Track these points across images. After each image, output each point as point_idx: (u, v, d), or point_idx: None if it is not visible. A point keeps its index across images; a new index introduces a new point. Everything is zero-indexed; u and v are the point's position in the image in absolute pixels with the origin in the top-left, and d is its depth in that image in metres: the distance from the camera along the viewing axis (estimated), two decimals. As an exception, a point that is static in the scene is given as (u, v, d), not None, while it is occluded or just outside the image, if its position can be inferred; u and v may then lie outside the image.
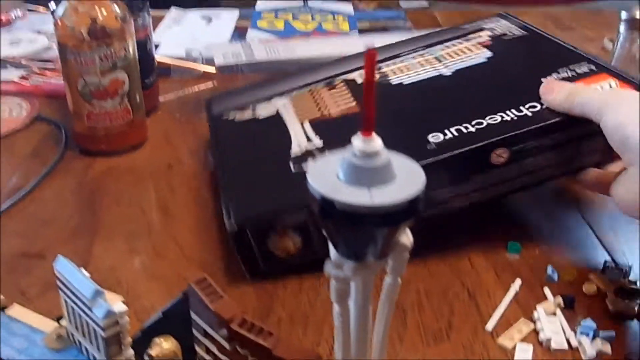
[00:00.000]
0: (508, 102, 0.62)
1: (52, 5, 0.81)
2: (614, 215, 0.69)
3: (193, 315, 0.38)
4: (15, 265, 0.60)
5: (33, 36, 1.11)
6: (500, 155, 0.58)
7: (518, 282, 0.58)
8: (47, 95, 0.93)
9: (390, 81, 0.70)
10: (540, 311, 0.54)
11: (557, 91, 0.59)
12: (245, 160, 0.66)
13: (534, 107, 0.61)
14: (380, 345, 0.32)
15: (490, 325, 0.53)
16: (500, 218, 0.67)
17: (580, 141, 0.60)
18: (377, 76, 0.72)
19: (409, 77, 0.71)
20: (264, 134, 0.69)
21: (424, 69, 0.71)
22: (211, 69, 0.92)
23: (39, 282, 0.57)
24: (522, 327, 0.53)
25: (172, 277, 0.59)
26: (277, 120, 0.69)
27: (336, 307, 0.30)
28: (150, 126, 0.83)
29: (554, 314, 0.54)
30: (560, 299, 0.56)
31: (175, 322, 0.45)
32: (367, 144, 0.26)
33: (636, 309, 0.55)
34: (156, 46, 1.00)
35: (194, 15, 1.18)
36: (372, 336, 0.32)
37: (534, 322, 0.54)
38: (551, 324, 0.53)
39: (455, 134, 0.59)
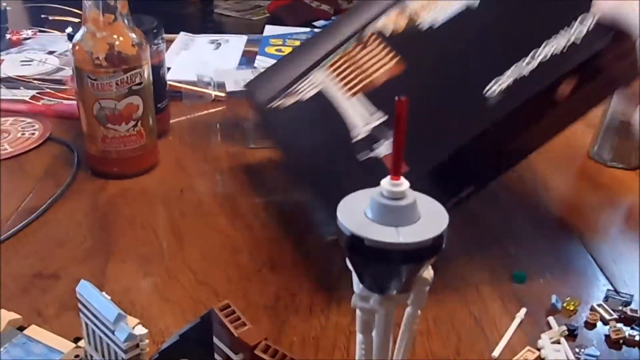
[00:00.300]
0: (548, 30, 0.56)
1: (69, 29, 0.83)
2: (616, 245, 0.71)
3: (215, 340, 0.39)
4: (31, 286, 0.61)
5: (44, 56, 1.13)
6: (563, 90, 0.54)
7: (523, 310, 0.59)
8: (58, 116, 0.94)
9: (420, 27, 0.65)
10: (545, 339, 0.56)
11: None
12: (312, 156, 0.62)
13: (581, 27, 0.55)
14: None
15: (496, 353, 0.55)
16: (505, 249, 0.69)
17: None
18: (404, 22, 0.67)
19: (437, 16, 0.64)
20: (318, 120, 0.64)
21: (449, 3, 0.65)
22: (221, 94, 0.94)
23: (55, 302, 0.59)
24: (528, 355, 0.54)
25: (186, 301, 0.60)
26: (324, 100, 0.65)
27: (360, 337, 0.31)
28: (162, 150, 0.84)
29: (558, 342, 0.56)
30: (564, 328, 0.57)
31: (192, 345, 0.47)
32: (395, 186, 0.27)
33: (638, 337, 0.57)
34: (168, 70, 1.02)
35: (203, 40, 1.20)
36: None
37: (539, 350, 0.55)
38: (556, 352, 0.54)
39: (511, 80, 0.55)
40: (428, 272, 0.30)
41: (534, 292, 0.62)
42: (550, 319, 0.59)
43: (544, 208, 0.77)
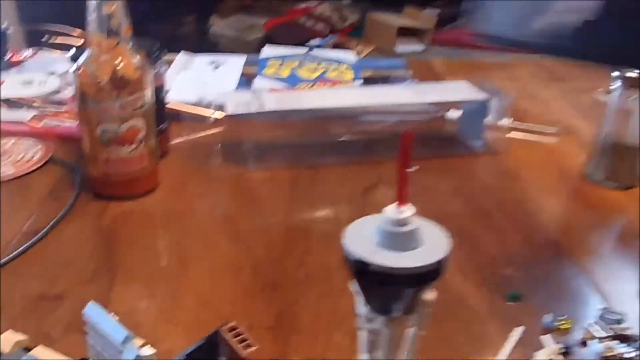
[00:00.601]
0: None
1: (71, 51, 0.84)
2: (610, 264, 0.72)
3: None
4: (36, 307, 0.62)
5: (44, 77, 1.14)
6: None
7: (519, 329, 0.61)
8: (60, 137, 0.96)
9: None
10: (540, 358, 0.57)
11: None
12: None
13: None
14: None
15: (494, 372, 0.56)
16: (500, 269, 0.70)
17: None
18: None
19: None
20: None
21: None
22: (220, 116, 0.95)
23: (61, 323, 0.60)
24: (525, 373, 0.56)
25: (190, 322, 0.61)
26: None
27: (364, 357, 0.32)
28: (162, 171, 0.85)
29: (546, 356, 0.57)
30: (559, 346, 0.58)
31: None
32: (400, 213, 0.29)
33: (632, 354, 0.58)
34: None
35: (202, 61, 1.22)
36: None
37: (535, 367, 0.56)
38: (549, 369, 0.56)
39: None
40: (431, 294, 0.32)
41: (529, 311, 0.64)
42: (544, 337, 0.60)
43: (539, 229, 0.79)
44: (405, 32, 2.88)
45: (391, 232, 0.29)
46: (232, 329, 0.39)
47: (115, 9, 0.71)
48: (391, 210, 0.29)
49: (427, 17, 2.96)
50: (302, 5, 3.00)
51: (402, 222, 0.29)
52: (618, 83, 0.85)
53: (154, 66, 0.82)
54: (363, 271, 0.28)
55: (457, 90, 0.96)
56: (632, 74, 0.84)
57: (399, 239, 0.29)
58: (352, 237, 0.30)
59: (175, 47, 1.25)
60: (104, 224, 0.76)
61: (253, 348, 0.37)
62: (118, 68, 0.73)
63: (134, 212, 0.79)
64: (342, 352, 0.57)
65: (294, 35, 2.58)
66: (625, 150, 0.87)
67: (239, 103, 0.86)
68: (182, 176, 0.87)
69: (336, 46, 2.52)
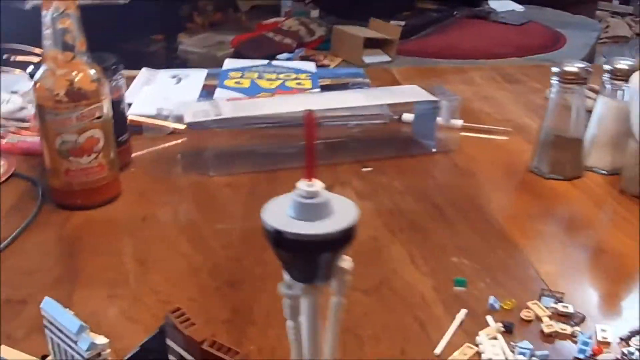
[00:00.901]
0: None
1: (30, 68, 0.87)
2: (553, 249, 0.76)
3: (169, 342, 0.43)
4: (1, 312, 0.64)
5: (7, 96, 1.16)
6: None
7: (463, 311, 0.64)
8: (22, 153, 0.98)
9: None
10: (482, 336, 0.60)
11: None
12: None
13: None
14: (331, 357, 0.38)
15: (438, 350, 0.59)
16: (449, 258, 0.74)
17: None
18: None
19: None
20: None
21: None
22: (181, 127, 0.98)
23: (24, 326, 0.62)
24: (467, 350, 0.59)
25: (150, 320, 0.63)
26: None
27: (289, 323, 0.35)
28: (124, 181, 0.88)
29: (495, 338, 0.60)
30: (500, 325, 0.62)
31: (153, 354, 0.50)
32: (310, 186, 0.32)
33: (568, 331, 0.61)
34: (128, 105, 1.06)
35: (164, 75, 1.24)
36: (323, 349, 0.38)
37: (477, 345, 0.59)
38: (492, 347, 0.59)
39: None
40: (347, 262, 0.35)
41: (475, 295, 0.67)
42: (488, 317, 0.63)
43: (487, 220, 0.82)
44: (372, 44, 2.93)
45: (302, 203, 0.32)
46: (176, 310, 0.42)
47: (70, 24, 0.74)
48: (302, 185, 0.32)
49: (393, 29, 3.02)
50: (270, 21, 3.05)
51: (311, 195, 0.32)
52: (556, 78, 0.89)
53: (111, 79, 0.84)
54: (279, 240, 0.31)
55: (408, 94, 1.00)
56: (569, 68, 0.88)
57: (309, 209, 0.32)
58: (270, 211, 0.33)
59: (144, 65, 1.28)
60: (66, 233, 0.78)
61: (194, 326, 0.40)
62: (74, 81, 0.76)
63: (96, 221, 0.81)
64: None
65: (262, 49, 2.62)
66: (567, 142, 0.91)
67: (197, 112, 0.89)
68: (144, 185, 0.90)
69: (304, 59, 2.56)
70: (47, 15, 0.74)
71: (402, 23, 3.21)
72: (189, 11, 2.98)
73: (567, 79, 0.88)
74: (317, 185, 0.32)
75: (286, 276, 0.34)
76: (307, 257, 0.32)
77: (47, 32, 0.74)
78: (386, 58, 2.92)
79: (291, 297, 0.34)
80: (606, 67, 0.92)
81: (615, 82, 0.91)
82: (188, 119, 0.88)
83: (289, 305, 0.35)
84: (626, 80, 0.89)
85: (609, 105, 0.92)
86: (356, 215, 0.32)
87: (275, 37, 2.80)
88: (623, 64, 0.91)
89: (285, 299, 0.35)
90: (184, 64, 2.62)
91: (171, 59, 2.64)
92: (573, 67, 0.88)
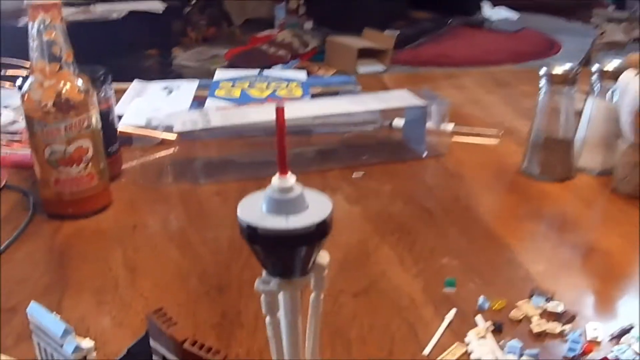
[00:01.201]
0: None
1: (19, 81, 0.87)
2: (542, 249, 0.76)
3: (152, 343, 0.43)
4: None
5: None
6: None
7: (452, 311, 0.64)
8: (14, 165, 0.98)
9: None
10: (471, 335, 0.60)
11: None
12: None
13: None
14: (313, 355, 0.38)
15: (427, 351, 0.59)
16: (438, 260, 0.74)
17: None
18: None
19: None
20: None
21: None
22: (171, 137, 0.98)
23: (13, 333, 0.62)
24: (456, 350, 0.59)
25: (139, 325, 0.63)
26: None
27: (267, 319, 0.35)
28: (115, 191, 0.88)
29: (485, 337, 0.60)
30: (490, 324, 0.62)
31: (139, 357, 0.50)
32: (283, 182, 0.32)
33: (558, 329, 0.61)
34: (120, 117, 1.06)
35: (156, 87, 1.25)
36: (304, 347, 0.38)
37: (466, 345, 0.59)
38: (482, 346, 0.59)
39: None
40: (324, 257, 0.35)
41: (464, 296, 0.67)
42: (478, 317, 0.63)
43: (477, 221, 0.82)
44: (366, 54, 2.94)
45: (276, 199, 0.32)
46: (158, 311, 0.42)
47: (56, 35, 0.74)
48: (275, 181, 0.32)
49: (386, 38, 3.03)
50: (264, 33, 3.06)
51: (284, 190, 0.32)
52: (545, 80, 0.89)
53: (99, 90, 0.85)
54: (253, 236, 0.32)
55: (397, 99, 1.01)
56: (558, 70, 0.88)
57: (283, 204, 0.32)
58: (245, 207, 0.33)
59: (134, 75, 1.29)
60: (57, 242, 0.79)
61: (176, 326, 0.40)
62: (62, 91, 0.76)
63: (87, 230, 0.81)
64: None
65: (256, 62, 2.63)
66: (557, 143, 0.91)
67: (186, 122, 0.89)
68: (135, 195, 0.90)
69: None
70: (33, 27, 0.74)
71: (396, 33, 3.22)
72: (183, 26, 3.00)
73: (555, 80, 0.88)
74: (291, 180, 0.32)
75: (263, 272, 0.34)
76: (282, 252, 0.32)
77: (33, 44, 0.75)
78: (380, 67, 2.93)
79: (268, 292, 0.34)
80: (595, 67, 0.93)
81: (605, 82, 0.92)
82: (177, 128, 0.88)
83: (266, 301, 0.35)
84: (615, 81, 0.89)
85: (598, 106, 0.93)
86: (330, 210, 0.33)
87: (269, 49, 2.82)
88: (612, 64, 0.91)
89: (262, 294, 0.35)
90: (178, 77, 2.63)
91: (166, 73, 2.65)
92: (561, 68, 0.89)
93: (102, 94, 0.86)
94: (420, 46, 3.35)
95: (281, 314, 0.35)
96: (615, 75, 0.89)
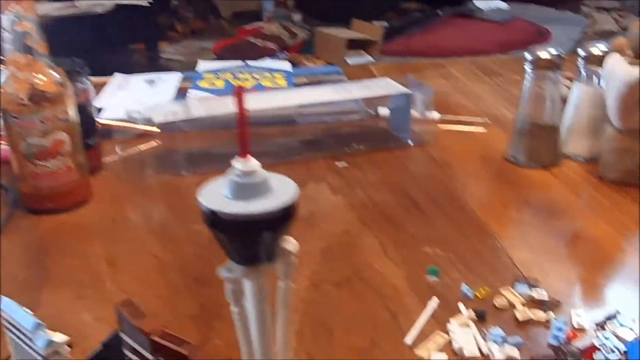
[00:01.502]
0: None
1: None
2: (527, 237, 0.75)
3: (122, 335, 0.42)
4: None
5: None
6: None
7: (435, 300, 0.63)
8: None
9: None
10: (453, 324, 0.59)
11: None
12: None
13: None
14: (284, 346, 0.37)
15: (409, 339, 0.58)
16: (422, 248, 0.73)
17: None
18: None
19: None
20: None
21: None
22: (153, 129, 0.97)
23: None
24: (438, 338, 0.58)
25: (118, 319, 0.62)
26: None
27: (233, 308, 0.34)
28: (95, 185, 0.87)
29: (467, 325, 0.59)
30: (472, 312, 0.61)
31: (115, 351, 0.49)
32: (245, 165, 0.31)
33: (542, 317, 0.60)
34: (100, 110, 1.05)
35: (138, 80, 1.23)
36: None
37: (449, 333, 0.58)
38: (464, 334, 0.58)
39: None
40: (291, 244, 0.34)
41: (448, 284, 0.66)
42: (460, 305, 0.62)
43: (462, 210, 0.81)
44: (356, 46, 2.92)
45: (238, 183, 0.31)
46: (127, 303, 0.41)
47: (29, 27, 0.73)
48: (237, 164, 0.31)
49: (375, 29, 3.02)
50: (252, 26, 3.04)
51: (246, 174, 0.31)
52: (530, 65, 0.88)
53: (76, 82, 0.83)
54: (214, 221, 0.30)
55: (381, 87, 0.99)
56: (543, 55, 0.87)
57: (245, 189, 0.31)
58: (206, 192, 0.32)
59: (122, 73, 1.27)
60: (36, 237, 0.77)
61: (144, 317, 0.39)
62: (37, 84, 0.75)
63: (66, 224, 0.80)
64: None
65: (245, 54, 2.61)
66: (543, 130, 0.90)
67: (167, 113, 0.88)
68: (116, 188, 0.89)
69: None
70: (6, 19, 0.73)
71: (386, 24, 3.21)
72: (170, 19, 2.98)
73: (540, 65, 0.87)
74: (253, 164, 0.31)
75: (228, 259, 0.33)
76: (244, 238, 0.31)
77: (7, 36, 0.73)
78: (369, 59, 2.92)
79: (232, 280, 0.33)
80: (581, 52, 0.92)
81: (590, 67, 0.91)
82: (158, 119, 0.87)
83: (230, 289, 0.33)
84: (601, 66, 0.88)
85: (584, 91, 0.92)
86: (295, 194, 0.31)
87: (258, 41, 2.80)
88: (597, 49, 0.90)
89: (227, 282, 0.33)
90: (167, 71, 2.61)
91: (153, 68, 2.63)
92: (546, 53, 0.88)
93: (79, 87, 0.85)
94: (410, 37, 3.34)
95: (249, 303, 0.34)
96: (601, 60, 0.88)
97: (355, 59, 2.82)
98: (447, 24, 3.57)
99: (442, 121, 1.07)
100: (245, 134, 0.30)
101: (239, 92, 0.30)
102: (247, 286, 0.33)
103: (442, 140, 1.02)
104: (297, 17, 3.19)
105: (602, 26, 4.23)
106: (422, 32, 3.40)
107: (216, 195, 0.32)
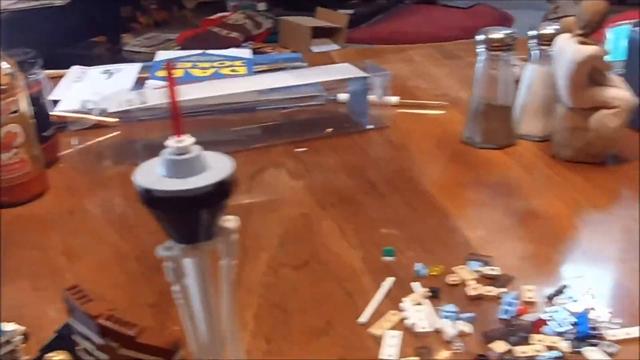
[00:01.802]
0: None
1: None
2: (482, 216, 0.77)
3: (71, 321, 0.42)
4: None
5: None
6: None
7: (389, 279, 0.64)
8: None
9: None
10: (407, 302, 0.60)
11: None
12: None
13: None
14: (230, 325, 0.37)
15: (363, 318, 0.59)
16: (379, 229, 0.74)
17: None
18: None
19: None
20: None
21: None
22: (110, 119, 0.96)
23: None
24: (392, 317, 0.59)
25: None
26: None
27: (174, 287, 0.35)
28: (52, 177, 0.86)
29: (421, 303, 0.60)
30: (426, 290, 0.62)
31: (69, 338, 0.49)
32: (179, 142, 0.31)
33: (493, 292, 0.62)
34: (56, 102, 1.04)
35: (95, 72, 1.22)
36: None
37: (402, 312, 0.59)
38: (417, 312, 0.59)
39: None
40: (232, 222, 0.34)
41: (403, 264, 0.67)
42: (414, 284, 0.63)
43: (419, 191, 0.82)
44: (321, 34, 2.92)
45: (172, 160, 0.31)
46: (73, 287, 0.41)
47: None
48: (170, 141, 0.32)
49: (340, 17, 3.02)
50: (216, 16, 3.03)
51: (180, 151, 0.31)
52: (482, 46, 0.89)
53: (28, 73, 0.82)
54: (149, 199, 0.31)
55: (339, 72, 1.00)
56: (494, 35, 0.88)
57: (179, 166, 0.31)
58: (142, 172, 0.32)
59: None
60: (-9, 231, 0.77)
61: (91, 301, 0.39)
62: (-13, 75, 0.74)
63: (22, 217, 0.79)
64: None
65: (209, 45, 2.60)
66: (497, 111, 0.92)
67: (121, 102, 0.88)
68: (73, 180, 0.88)
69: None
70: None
71: (351, 12, 3.21)
72: (132, 11, 2.95)
73: (492, 46, 0.88)
74: (187, 140, 0.32)
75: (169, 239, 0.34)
76: (179, 215, 0.32)
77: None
78: (335, 47, 2.92)
79: (171, 259, 0.33)
80: (532, 33, 0.93)
81: (542, 47, 0.92)
82: (112, 108, 0.86)
83: (170, 268, 0.34)
84: (551, 46, 0.89)
85: (536, 71, 0.93)
86: (231, 170, 0.32)
87: (222, 31, 2.79)
88: (549, 29, 0.92)
89: (166, 261, 0.34)
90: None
91: (115, 60, 2.60)
92: (498, 33, 0.89)
93: (31, 78, 0.84)
94: (375, 24, 3.35)
95: (191, 282, 0.34)
96: (552, 40, 0.90)
97: (320, 47, 2.82)
98: (412, 11, 3.59)
99: (401, 105, 1.08)
100: (176, 110, 0.31)
101: (168, 68, 0.30)
102: (188, 265, 0.34)
103: (401, 124, 1.03)
104: (261, 6, 3.18)
105: (565, 11, 4.28)
106: (388, 20, 3.41)
107: (151, 174, 0.32)
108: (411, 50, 1.46)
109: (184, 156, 0.31)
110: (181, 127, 0.31)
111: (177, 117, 0.31)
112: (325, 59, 1.40)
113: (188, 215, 0.32)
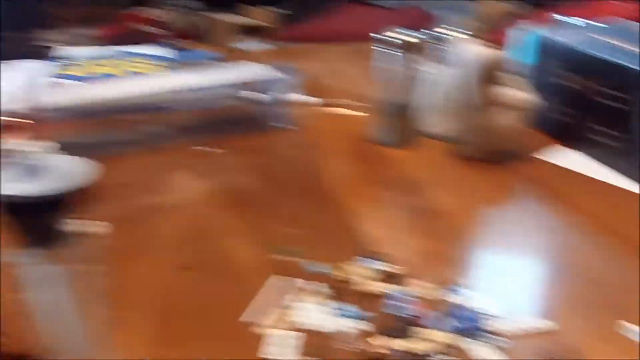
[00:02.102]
0: None
1: None
2: (379, 212, 0.78)
3: None
4: None
5: None
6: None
7: (273, 277, 0.64)
8: None
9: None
10: (296, 299, 0.60)
11: None
12: None
13: None
14: (94, 332, 0.37)
15: (246, 317, 0.58)
16: (277, 227, 0.74)
17: None
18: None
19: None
20: None
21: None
22: (17, 120, 0.93)
23: None
24: (275, 314, 0.59)
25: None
26: None
27: (29, 295, 0.34)
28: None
29: (310, 301, 0.61)
30: (313, 286, 0.62)
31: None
32: (23, 146, 0.31)
33: (386, 289, 0.62)
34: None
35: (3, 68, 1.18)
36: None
37: (289, 309, 0.60)
38: (306, 309, 0.59)
39: None
40: (90, 227, 0.34)
41: (296, 262, 0.67)
42: (304, 281, 0.63)
43: (322, 190, 0.83)
44: (250, 32, 2.90)
45: (18, 165, 0.31)
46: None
47: None
48: (14, 146, 0.31)
49: (268, 15, 3.01)
50: (142, 12, 2.97)
51: (26, 155, 0.31)
52: (378, 45, 0.90)
53: None
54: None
55: (251, 72, 1.00)
56: (389, 35, 0.90)
57: (26, 171, 0.31)
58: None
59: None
60: None
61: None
62: None
63: None
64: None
65: (132, 41, 2.55)
66: (398, 110, 0.93)
67: (23, 100, 0.85)
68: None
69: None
70: None
71: (283, 10, 3.20)
72: (55, 6, 2.86)
73: (389, 45, 0.90)
74: (34, 145, 0.31)
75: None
76: (25, 219, 0.31)
77: None
78: (264, 45, 2.90)
79: (24, 265, 0.33)
80: (434, 33, 0.95)
81: (445, 48, 0.94)
82: (10, 106, 0.84)
83: (22, 274, 0.33)
84: (455, 46, 0.91)
85: (440, 71, 0.95)
86: (83, 176, 0.31)
87: (144, 28, 2.73)
88: (449, 30, 0.94)
89: (18, 268, 0.33)
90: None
91: (31, 56, 2.52)
92: (393, 32, 0.90)
93: None
94: (308, 23, 3.35)
95: (45, 288, 0.34)
96: (451, 41, 0.92)
97: (248, 45, 2.80)
98: (348, 10, 3.60)
99: (314, 104, 1.09)
100: (35, 114, 0.30)
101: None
102: (45, 271, 0.33)
103: (312, 123, 1.03)
104: (187, 2, 3.14)
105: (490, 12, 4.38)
106: (322, 18, 3.42)
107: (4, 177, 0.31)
108: (326, 51, 1.47)
109: (31, 160, 0.31)
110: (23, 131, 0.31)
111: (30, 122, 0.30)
112: (248, 58, 1.39)
113: (33, 220, 0.31)
